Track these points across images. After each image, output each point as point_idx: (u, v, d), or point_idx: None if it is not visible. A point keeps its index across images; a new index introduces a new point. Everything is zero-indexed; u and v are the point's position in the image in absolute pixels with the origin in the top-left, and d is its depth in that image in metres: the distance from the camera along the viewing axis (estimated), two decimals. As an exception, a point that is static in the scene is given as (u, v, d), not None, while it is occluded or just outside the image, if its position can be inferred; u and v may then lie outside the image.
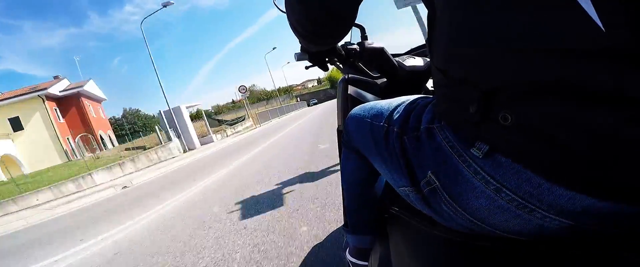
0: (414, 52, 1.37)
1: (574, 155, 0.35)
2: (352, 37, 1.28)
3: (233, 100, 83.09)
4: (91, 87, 33.43)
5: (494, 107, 0.40)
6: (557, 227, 0.41)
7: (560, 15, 0.33)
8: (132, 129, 57.84)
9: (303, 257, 2.18)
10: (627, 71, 0.31)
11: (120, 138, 36.62)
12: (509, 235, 0.47)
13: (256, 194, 4.23)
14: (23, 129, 25.48)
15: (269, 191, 4.17)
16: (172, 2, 18.47)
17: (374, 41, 1.15)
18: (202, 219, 3.80)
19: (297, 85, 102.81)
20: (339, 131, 1.23)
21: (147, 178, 10.62)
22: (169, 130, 18.06)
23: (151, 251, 3.22)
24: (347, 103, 1.17)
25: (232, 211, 3.75)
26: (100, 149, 23.50)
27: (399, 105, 0.67)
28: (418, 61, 1.20)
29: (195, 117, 31.66)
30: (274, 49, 48.61)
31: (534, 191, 0.39)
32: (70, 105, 29.73)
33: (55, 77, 32.27)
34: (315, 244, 2.35)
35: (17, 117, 25.51)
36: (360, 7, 0.65)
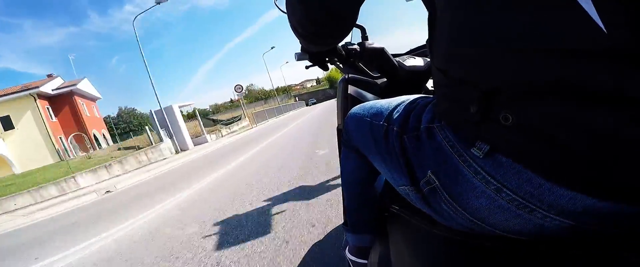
0: (414, 52, 1.37)
1: (574, 155, 0.35)
2: (352, 37, 1.28)
3: (231, 100, 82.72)
4: (85, 86, 32.32)
5: (494, 107, 0.41)
6: (557, 227, 0.41)
7: (561, 15, 0.33)
8: (128, 128, 57.24)
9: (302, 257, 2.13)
10: (627, 71, 0.31)
11: (115, 137, 35.88)
12: (509, 235, 0.47)
13: (240, 212, 3.51)
14: (14, 128, 24.84)
15: (256, 210, 3.44)
16: (166, -1, 17.67)
17: (374, 41, 1.16)
18: (171, 245, 3.14)
19: (296, 85, 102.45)
20: (338, 130, 1.25)
21: (133, 182, 9.84)
22: (160, 130, 17.06)
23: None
24: (347, 102, 1.19)
25: (208, 236, 3.07)
26: (94, 149, 22.77)
27: (398, 105, 0.67)
28: (418, 61, 1.20)
29: (192, 116, 30.94)
30: (272, 48, 47.82)
31: (535, 191, 0.40)
32: (63, 104, 28.76)
33: (49, 76, 31.17)
34: (314, 242, 2.31)
35: (8, 116, 24.85)
36: (361, 7, 0.65)
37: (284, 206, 3.31)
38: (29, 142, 24.32)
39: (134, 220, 4.64)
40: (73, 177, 11.59)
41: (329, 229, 2.46)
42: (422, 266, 0.61)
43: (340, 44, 1.13)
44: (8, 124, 24.78)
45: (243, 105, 31.68)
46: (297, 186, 3.95)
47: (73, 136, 21.84)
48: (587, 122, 0.34)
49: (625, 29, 0.30)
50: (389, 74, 1.20)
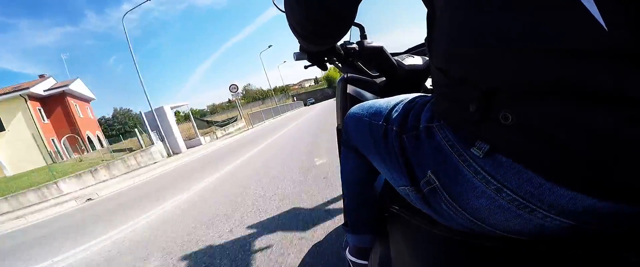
0: (412, 51, 1.38)
1: (575, 155, 0.36)
2: (351, 36, 1.27)
3: (229, 100, 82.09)
4: (78, 87, 31.33)
5: (494, 106, 0.40)
6: (557, 227, 0.41)
7: (561, 15, 0.33)
8: (123, 129, 56.28)
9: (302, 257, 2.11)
10: (628, 71, 0.31)
11: (111, 138, 35.14)
12: (510, 235, 0.47)
13: (216, 242, 2.83)
14: (4, 130, 24.13)
15: (235, 242, 2.74)
16: (156, -7, 16.90)
17: (373, 40, 1.15)
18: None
19: (294, 84, 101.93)
20: (338, 130, 1.23)
21: (118, 188, 9.33)
22: (151, 133, 16.43)
23: None
24: (346, 102, 1.17)
25: (170, 277, 2.49)
26: (87, 151, 22.05)
27: (397, 104, 0.67)
28: (417, 60, 1.20)
29: (187, 118, 30.09)
30: (269, 47, 47.48)
31: (535, 191, 0.40)
32: (55, 105, 27.79)
33: (41, 76, 30.16)
34: (314, 243, 2.28)
35: (-2, 118, 24.16)
36: (359, 6, 0.64)
37: (271, 238, 2.57)
38: (20, 144, 23.60)
39: (98, 240, 4.12)
40: (55, 183, 10.91)
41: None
42: (423, 266, 0.60)
43: (339, 43, 1.12)
44: (-1, 126, 24.06)
45: (239, 105, 30.59)
46: (291, 208, 3.20)
47: (66, 138, 21.15)
48: (587, 122, 0.34)
49: (625, 29, 0.30)
50: (387, 73, 1.20)
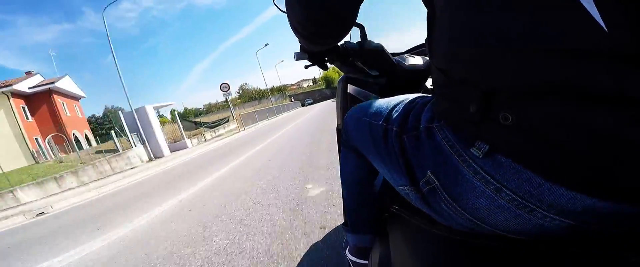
0: (413, 51, 1.38)
1: (574, 155, 0.36)
2: (351, 36, 1.27)
3: (226, 99, 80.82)
4: (66, 84, 30.25)
5: (494, 107, 0.41)
6: (557, 227, 0.41)
7: (561, 15, 0.34)
8: (114, 128, 54.86)
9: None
10: (628, 71, 0.31)
11: (101, 138, 33.83)
12: (509, 234, 0.47)
13: None
14: (-16, 128, 22.75)
15: None
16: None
17: (373, 40, 1.16)
18: None
19: (292, 85, 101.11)
20: (338, 130, 1.25)
21: (78, 201, 8.08)
22: (130, 135, 15.03)
23: None
24: (347, 102, 1.19)
25: None
26: (74, 150, 20.88)
27: (397, 104, 0.67)
28: (417, 60, 1.20)
29: (182, 117, 28.76)
30: (266, 45, 46.54)
31: (535, 190, 0.40)
32: (40, 103, 26.77)
33: (27, 73, 29.44)
34: (314, 242, 2.25)
35: (-22, 116, 23.72)
36: (361, 7, 0.65)
37: None
38: (1, 143, 21.78)
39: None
40: (12, 191, 9.63)
41: None
42: (423, 266, 0.60)
43: (339, 43, 1.12)
44: (-22, 124, 22.94)
45: (231, 106, 28.86)
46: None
47: (51, 137, 20.00)
48: (587, 122, 0.34)
49: (625, 29, 0.30)
50: (388, 73, 1.20)
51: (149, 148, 15.46)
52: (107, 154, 15.16)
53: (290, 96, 74.43)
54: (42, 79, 29.63)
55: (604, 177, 0.35)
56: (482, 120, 0.42)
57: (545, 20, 0.35)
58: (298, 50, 1.13)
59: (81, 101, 35.86)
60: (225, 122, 27.51)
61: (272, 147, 8.63)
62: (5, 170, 13.19)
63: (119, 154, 13.87)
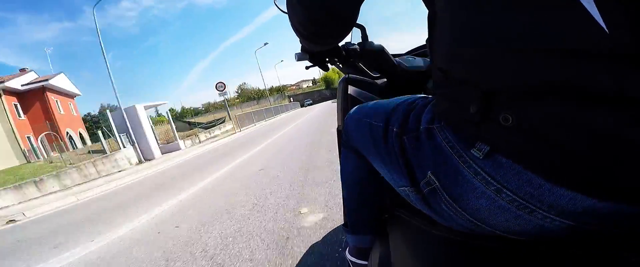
0: (413, 52, 1.37)
1: (575, 155, 0.36)
2: (352, 37, 1.26)
3: (225, 99, 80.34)
4: (61, 82, 29.75)
5: (494, 107, 0.41)
6: (557, 228, 0.41)
7: (561, 15, 0.34)
8: (110, 127, 54.15)
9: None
10: (628, 71, 0.31)
11: (95, 136, 33.34)
12: (510, 235, 0.47)
13: None
14: (-25, 126, 21.86)
15: None
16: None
17: (374, 41, 1.15)
18: None
19: (292, 85, 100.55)
20: (338, 131, 1.24)
21: (56, 207, 7.48)
22: (118, 136, 14.21)
23: None
24: (347, 103, 1.18)
25: None
26: (67, 149, 20.25)
27: (398, 105, 0.67)
28: (418, 61, 1.20)
29: (178, 118, 27.96)
30: (265, 44, 46.26)
31: (535, 191, 0.40)
32: (33, 100, 26.21)
33: (21, 70, 29.14)
34: (314, 242, 2.23)
35: (-32, 113, 21.95)
36: (361, 7, 0.65)
37: None
38: None
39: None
40: (-13, 196, 8.98)
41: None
42: (422, 266, 0.60)
43: (340, 44, 1.12)
44: (-31, 121, 22.28)
45: (227, 106, 28.06)
46: None
47: (44, 135, 19.33)
48: (587, 122, 0.34)
49: (625, 29, 0.30)
50: (388, 74, 1.20)
51: (138, 150, 14.64)
52: (96, 154, 14.44)
53: (289, 97, 74.01)
54: (36, 76, 29.09)
55: (604, 177, 0.35)
56: (482, 121, 0.42)
57: (545, 21, 0.34)
58: (299, 51, 1.12)
59: (77, 99, 35.21)
60: (221, 123, 26.61)
61: (267, 152, 8.02)
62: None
63: (106, 156, 13.05)
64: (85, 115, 45.03)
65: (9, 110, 23.38)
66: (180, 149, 16.86)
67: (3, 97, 22.98)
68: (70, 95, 33.14)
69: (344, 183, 0.98)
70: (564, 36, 0.34)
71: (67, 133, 28.83)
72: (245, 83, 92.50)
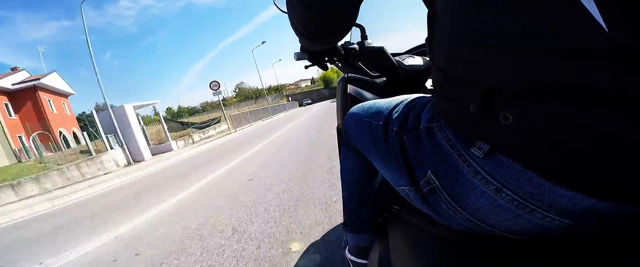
0: (413, 51, 1.36)
1: (575, 155, 0.36)
2: (351, 36, 1.25)
3: (224, 98, 79.98)
4: (53, 81, 29.31)
5: (494, 106, 0.40)
6: (557, 227, 0.41)
7: (561, 15, 0.33)
8: (87, 128, 52.98)
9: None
10: (628, 71, 0.31)
11: (90, 136, 32.71)
12: (509, 235, 0.47)
13: None
14: (-36, 125, 21.44)
15: None
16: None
17: (373, 40, 1.16)
18: None
19: (290, 84, 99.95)
20: (338, 130, 1.23)
21: (27, 214, 6.87)
22: (105, 137, 13.47)
23: None
24: (347, 102, 1.17)
25: None
26: (59, 149, 19.52)
27: (398, 104, 0.67)
28: (417, 60, 1.19)
29: (172, 117, 27.23)
30: (263, 43, 45.56)
31: (535, 191, 0.39)
32: (24, 100, 25.93)
33: (13, 69, 28.99)
34: (313, 241, 2.19)
35: (-42, 112, 21.87)
36: (361, 6, 0.65)
37: None
38: None
39: None
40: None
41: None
42: (422, 266, 0.60)
43: (339, 43, 1.12)
44: (-41, 121, 21.71)
45: (222, 106, 26.33)
46: None
47: (36, 135, 18.63)
48: (587, 122, 0.34)
49: (625, 29, 0.30)
50: (388, 74, 1.19)
51: (127, 151, 13.99)
52: (86, 154, 13.68)
53: (287, 96, 73.47)
54: (28, 75, 28.87)
55: (604, 177, 0.35)
56: (482, 120, 0.42)
57: (545, 20, 0.34)
58: (298, 50, 1.12)
59: (73, 98, 34.65)
60: (216, 123, 25.94)
61: (260, 156, 7.31)
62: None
63: (91, 158, 12.31)
64: (80, 114, 44.21)
65: (0, 109, 23.03)
66: (172, 150, 16.14)
67: (-7, 96, 22.38)
68: (63, 95, 32.67)
69: (344, 182, 0.97)
70: (564, 36, 0.33)
71: (61, 133, 28.38)
72: (243, 82, 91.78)
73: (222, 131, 23.72)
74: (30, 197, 9.12)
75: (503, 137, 0.40)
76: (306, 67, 1.22)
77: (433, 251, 0.61)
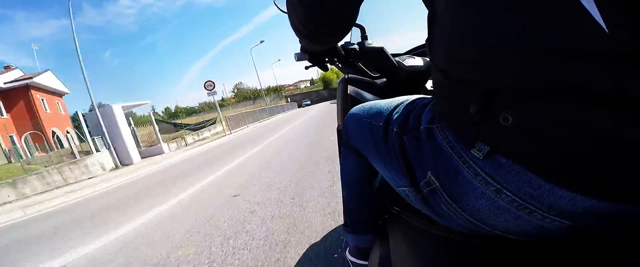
0: (413, 52, 1.35)
1: (575, 156, 0.36)
2: (352, 37, 1.24)
3: (223, 98, 79.42)
4: (47, 80, 28.70)
5: (494, 107, 0.40)
6: (557, 228, 0.41)
7: (561, 15, 0.33)
8: (73, 130, 52.03)
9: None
10: (628, 71, 0.31)
11: (84, 136, 32.01)
12: (509, 235, 0.47)
13: None
14: (-47, 125, 20.80)
15: None
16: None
17: (373, 41, 1.15)
18: None
19: (290, 85, 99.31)
20: (338, 131, 1.22)
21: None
22: (90, 138, 12.82)
23: None
24: (347, 103, 1.17)
25: None
26: (52, 150, 18.86)
27: (398, 105, 0.67)
28: (418, 61, 1.19)
29: (169, 118, 26.56)
30: (261, 42, 45.22)
31: (535, 192, 0.39)
32: (17, 99, 25.29)
33: (6, 67, 28.51)
34: (313, 242, 2.17)
35: (-52, 112, 21.54)
36: (361, 7, 0.65)
37: None
38: None
39: None
40: None
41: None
42: (422, 266, 0.60)
43: (339, 44, 1.11)
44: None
45: (217, 106, 25.12)
46: None
47: (28, 135, 18.00)
48: (588, 122, 0.34)
49: (625, 29, 0.30)
50: (388, 74, 1.19)
51: (114, 154, 13.26)
52: (74, 156, 13.00)
53: (286, 97, 72.88)
54: (21, 73, 28.50)
55: (604, 177, 0.35)
56: (482, 121, 0.42)
57: (545, 20, 0.34)
58: (298, 50, 1.11)
59: (69, 98, 34.10)
60: (211, 124, 25.16)
61: (252, 163, 6.60)
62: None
63: (74, 162, 11.54)
64: (74, 114, 43.49)
65: (-10, 108, 22.30)
66: (164, 152, 15.40)
67: (-16, 95, 21.80)
68: (58, 94, 32.03)
69: (344, 183, 0.97)
70: (564, 36, 0.33)
71: (54, 133, 27.71)
72: (241, 82, 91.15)
73: (217, 133, 22.97)
74: (7, 203, 8.44)
75: (503, 138, 0.40)
76: (306, 67, 1.23)
77: (433, 252, 0.60)
